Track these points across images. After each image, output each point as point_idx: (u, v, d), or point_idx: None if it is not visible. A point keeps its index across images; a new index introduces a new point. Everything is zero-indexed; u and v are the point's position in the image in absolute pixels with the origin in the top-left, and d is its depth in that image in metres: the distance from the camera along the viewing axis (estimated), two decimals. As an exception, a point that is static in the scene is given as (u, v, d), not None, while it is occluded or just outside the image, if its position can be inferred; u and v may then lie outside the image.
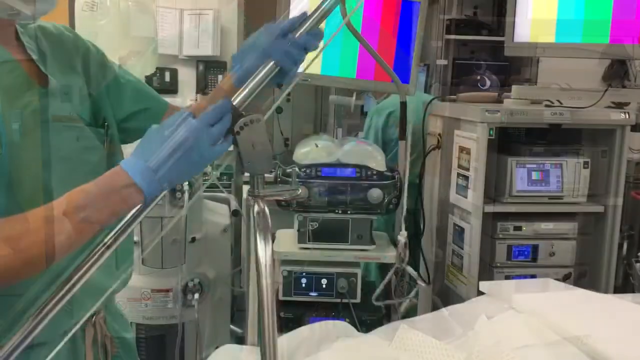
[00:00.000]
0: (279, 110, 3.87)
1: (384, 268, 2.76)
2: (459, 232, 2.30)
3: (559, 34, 2.03)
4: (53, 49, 1.16)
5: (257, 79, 1.03)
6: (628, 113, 2.23)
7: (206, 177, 2.39)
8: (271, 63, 1.04)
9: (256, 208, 1.05)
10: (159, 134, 0.94)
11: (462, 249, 2.27)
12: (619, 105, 2.66)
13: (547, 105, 2.27)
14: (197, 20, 3.29)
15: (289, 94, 3.96)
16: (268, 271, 1.04)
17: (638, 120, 3.03)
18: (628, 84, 2.37)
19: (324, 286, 2.24)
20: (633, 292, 2.50)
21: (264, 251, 1.04)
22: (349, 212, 2.19)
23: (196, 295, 2.17)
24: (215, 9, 3.28)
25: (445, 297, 2.45)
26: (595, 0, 1.92)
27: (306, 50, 1.07)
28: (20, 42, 1.11)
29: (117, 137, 1.26)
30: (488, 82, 3.79)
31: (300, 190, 2.03)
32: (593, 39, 1.94)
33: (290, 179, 2.09)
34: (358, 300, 2.24)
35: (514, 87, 2.28)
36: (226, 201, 2.64)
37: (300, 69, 1.11)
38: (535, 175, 2.21)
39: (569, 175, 2.23)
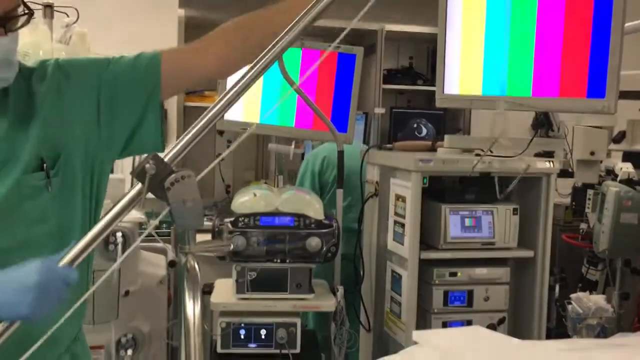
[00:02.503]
0: (220, 157, 3.86)
1: (323, 316, 2.75)
2: (397, 278, 2.32)
3: (486, 86, 2.12)
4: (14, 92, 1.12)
5: (192, 131, 1.01)
6: (552, 162, 2.34)
7: (143, 227, 2.34)
8: None
9: (187, 264, 1.05)
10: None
11: (400, 295, 2.29)
12: (547, 154, 2.79)
13: (477, 154, 2.36)
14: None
15: (229, 141, 3.97)
16: (196, 330, 1.03)
17: (564, 167, 3.20)
18: (552, 134, 2.50)
19: (263, 337, 2.21)
20: (566, 332, 2.58)
21: (192, 309, 1.03)
22: (287, 261, 2.19)
23: (129, 352, 2.09)
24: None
25: (385, 344, 2.46)
26: (518, 55, 2.03)
27: None
28: None
29: (73, 177, 1.18)
30: (425, 130, 3.90)
31: (232, 246, 2.02)
32: (516, 92, 2.04)
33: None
34: (298, 350, 2.21)
35: (446, 137, 2.36)
36: (163, 251, 2.58)
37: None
38: (468, 222, 2.28)
39: (499, 222, 2.31)
